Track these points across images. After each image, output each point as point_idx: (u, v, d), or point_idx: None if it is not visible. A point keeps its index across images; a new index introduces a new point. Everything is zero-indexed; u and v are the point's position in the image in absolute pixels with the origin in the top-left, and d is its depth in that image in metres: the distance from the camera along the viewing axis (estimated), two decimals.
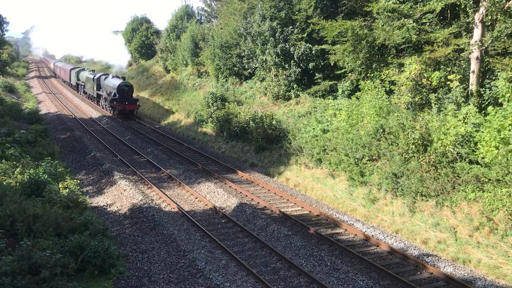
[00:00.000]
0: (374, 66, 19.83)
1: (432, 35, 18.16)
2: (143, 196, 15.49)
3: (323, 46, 22.83)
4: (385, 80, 19.13)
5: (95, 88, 38.87)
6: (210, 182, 17.62)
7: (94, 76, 39.43)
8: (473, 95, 15.88)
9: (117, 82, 33.64)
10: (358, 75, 21.00)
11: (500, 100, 14.27)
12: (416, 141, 14.33)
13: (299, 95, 25.96)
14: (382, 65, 19.71)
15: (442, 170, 13.47)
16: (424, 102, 17.36)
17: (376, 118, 16.92)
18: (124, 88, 32.90)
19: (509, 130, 12.55)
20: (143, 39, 55.03)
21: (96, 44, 44.22)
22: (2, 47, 57.75)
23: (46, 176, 15.10)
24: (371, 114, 17.23)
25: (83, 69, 48.94)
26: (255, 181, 18.10)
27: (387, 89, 18.93)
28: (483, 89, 15.64)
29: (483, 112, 14.78)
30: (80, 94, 48.00)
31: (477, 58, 15.76)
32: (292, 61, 25.45)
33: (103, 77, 37.68)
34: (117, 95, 32.95)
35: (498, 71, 15.29)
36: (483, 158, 12.97)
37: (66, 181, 16.09)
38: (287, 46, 25.46)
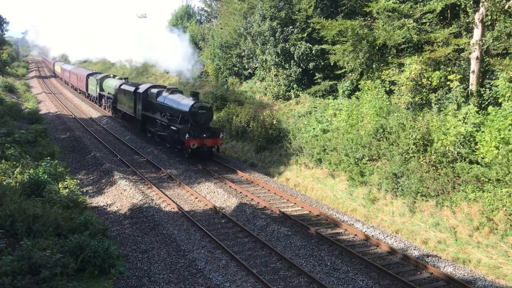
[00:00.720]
0: (374, 66, 19.83)
1: (432, 35, 18.18)
2: (143, 196, 15.49)
3: (323, 46, 22.84)
4: (385, 80, 19.14)
5: (139, 107, 25.36)
6: (210, 182, 17.61)
7: (137, 88, 25.93)
8: (473, 95, 15.89)
9: (187, 102, 20.75)
10: (359, 75, 21.01)
11: (500, 100, 14.27)
12: (417, 141, 14.33)
13: (299, 95, 25.96)
14: (382, 65, 19.73)
15: (442, 170, 13.47)
16: (424, 102, 17.37)
17: (376, 118, 16.92)
18: (200, 112, 20.24)
19: (509, 130, 12.56)
20: None
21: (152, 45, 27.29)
22: (2, 47, 57.82)
23: (46, 176, 15.08)
24: (371, 114, 17.23)
25: (109, 76, 36.29)
26: (255, 181, 18.10)
27: (387, 89, 18.93)
28: (483, 89, 15.65)
29: (483, 111, 14.79)
30: (107, 110, 34.96)
31: (477, 58, 15.77)
32: (292, 61, 25.44)
33: (154, 90, 24.40)
34: (189, 123, 20.35)
35: (498, 71, 15.29)
36: (483, 158, 12.98)
37: (66, 181, 16.07)
38: (287, 46, 25.46)
